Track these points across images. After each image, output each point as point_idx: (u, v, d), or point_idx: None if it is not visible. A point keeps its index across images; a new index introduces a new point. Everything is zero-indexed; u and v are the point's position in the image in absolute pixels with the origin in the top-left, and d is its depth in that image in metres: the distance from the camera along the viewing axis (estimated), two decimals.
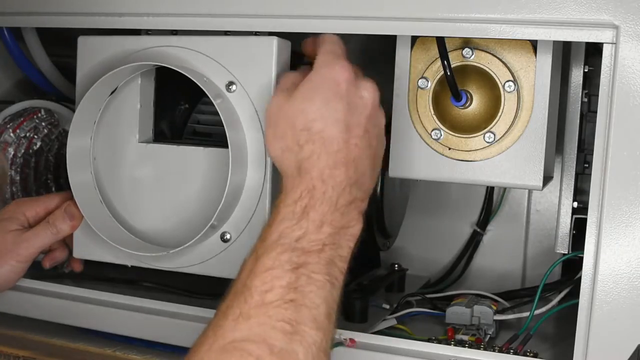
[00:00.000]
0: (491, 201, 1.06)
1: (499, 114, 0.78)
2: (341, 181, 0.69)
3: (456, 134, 0.79)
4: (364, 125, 0.71)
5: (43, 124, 0.97)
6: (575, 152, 0.92)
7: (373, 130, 0.72)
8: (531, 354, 0.78)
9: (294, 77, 0.75)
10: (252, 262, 0.66)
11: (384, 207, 0.95)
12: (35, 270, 0.97)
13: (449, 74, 0.75)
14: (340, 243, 0.68)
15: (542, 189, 0.80)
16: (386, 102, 0.77)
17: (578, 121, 0.91)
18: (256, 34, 0.80)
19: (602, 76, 0.69)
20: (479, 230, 1.07)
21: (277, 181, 0.81)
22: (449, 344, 0.79)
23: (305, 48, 0.79)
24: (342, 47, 0.75)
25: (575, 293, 0.76)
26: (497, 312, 0.89)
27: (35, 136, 0.97)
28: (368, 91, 0.72)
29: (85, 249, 0.89)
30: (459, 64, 0.78)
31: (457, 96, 0.77)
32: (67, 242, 0.92)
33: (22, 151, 0.96)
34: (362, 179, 0.71)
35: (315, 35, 0.77)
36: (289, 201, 0.68)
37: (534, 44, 0.77)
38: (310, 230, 0.67)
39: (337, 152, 0.69)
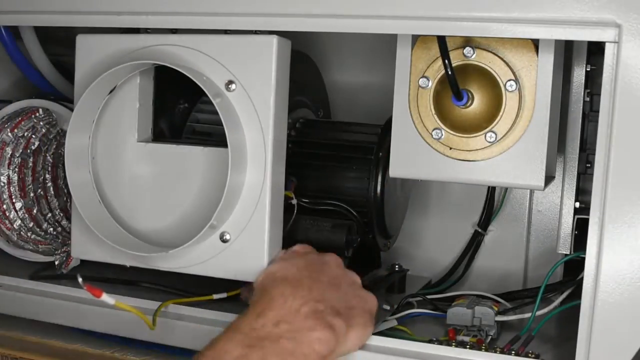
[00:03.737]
0: (492, 201, 1.05)
1: (501, 114, 0.77)
2: (303, 295, 0.70)
3: (457, 134, 0.79)
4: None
5: (41, 123, 0.97)
6: (577, 151, 0.92)
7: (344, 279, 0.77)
8: (533, 355, 0.78)
9: None
10: (207, 346, 0.66)
11: (384, 208, 0.94)
12: (33, 270, 0.97)
13: (450, 73, 0.75)
14: (301, 340, 0.67)
15: (543, 189, 0.79)
16: None
17: (580, 121, 0.91)
18: (256, 32, 0.80)
19: (604, 75, 0.69)
20: (480, 230, 1.06)
21: (277, 181, 0.81)
22: (450, 345, 0.79)
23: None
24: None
25: (577, 294, 0.76)
26: (498, 313, 0.88)
27: (33, 136, 0.96)
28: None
29: (84, 249, 0.88)
30: (460, 63, 0.78)
31: (458, 95, 0.77)
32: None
33: (20, 151, 0.96)
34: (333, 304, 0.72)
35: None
36: (249, 312, 0.69)
37: (535, 43, 0.76)
38: (267, 325, 0.67)
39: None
